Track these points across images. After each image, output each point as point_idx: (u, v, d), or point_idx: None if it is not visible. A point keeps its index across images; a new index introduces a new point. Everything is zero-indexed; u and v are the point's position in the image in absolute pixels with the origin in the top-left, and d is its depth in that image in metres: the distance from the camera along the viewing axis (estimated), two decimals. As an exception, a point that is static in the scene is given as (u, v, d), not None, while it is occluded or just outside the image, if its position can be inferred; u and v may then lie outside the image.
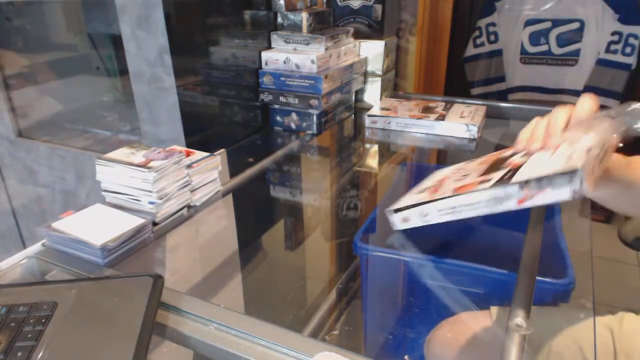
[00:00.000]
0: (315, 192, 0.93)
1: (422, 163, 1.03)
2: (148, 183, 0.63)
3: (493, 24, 1.98)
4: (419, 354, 0.66)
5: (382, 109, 1.13)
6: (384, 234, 0.67)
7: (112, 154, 0.67)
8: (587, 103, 0.51)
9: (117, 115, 1.33)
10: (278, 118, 1.10)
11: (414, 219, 0.63)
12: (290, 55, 1.03)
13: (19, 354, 0.39)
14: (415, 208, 0.62)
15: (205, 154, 0.74)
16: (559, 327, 0.64)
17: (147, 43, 0.89)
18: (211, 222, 0.74)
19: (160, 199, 0.64)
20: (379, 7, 1.23)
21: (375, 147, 1.08)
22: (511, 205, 0.54)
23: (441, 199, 0.61)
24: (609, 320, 0.63)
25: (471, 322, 0.67)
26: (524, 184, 0.52)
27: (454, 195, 0.60)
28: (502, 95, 2.06)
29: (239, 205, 0.80)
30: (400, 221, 0.64)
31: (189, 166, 0.69)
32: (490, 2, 1.96)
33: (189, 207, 0.71)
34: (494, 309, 0.65)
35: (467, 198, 0.58)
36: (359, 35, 1.23)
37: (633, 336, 0.60)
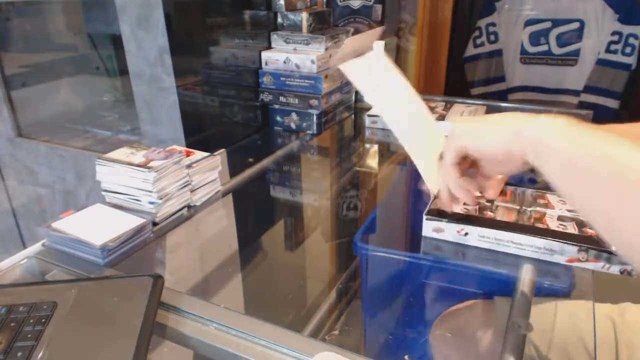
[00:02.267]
0: (315, 192, 0.93)
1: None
2: (148, 183, 0.63)
3: (493, 24, 1.98)
4: (419, 354, 0.66)
5: (382, 109, 1.12)
6: (384, 234, 0.67)
7: (112, 154, 0.67)
8: None
9: (117, 115, 1.34)
10: (278, 118, 1.09)
11: (449, 233, 0.60)
12: (290, 55, 1.03)
13: (19, 354, 0.39)
14: (455, 224, 0.59)
15: (205, 154, 0.74)
16: (561, 319, 0.64)
17: (147, 43, 0.89)
18: (211, 222, 0.74)
19: (160, 199, 0.64)
20: (379, 7, 1.23)
21: (375, 147, 1.08)
22: (560, 259, 0.56)
23: (488, 226, 0.58)
24: (611, 311, 0.63)
25: (476, 311, 0.67)
26: (585, 249, 0.54)
27: (504, 229, 0.57)
28: (502, 95, 2.06)
29: (239, 205, 0.80)
30: (432, 230, 0.61)
31: (189, 166, 0.69)
32: (490, 2, 1.96)
33: (189, 207, 0.71)
34: (498, 299, 0.66)
35: (519, 237, 0.57)
36: (359, 35, 1.23)
37: (635, 327, 0.60)
